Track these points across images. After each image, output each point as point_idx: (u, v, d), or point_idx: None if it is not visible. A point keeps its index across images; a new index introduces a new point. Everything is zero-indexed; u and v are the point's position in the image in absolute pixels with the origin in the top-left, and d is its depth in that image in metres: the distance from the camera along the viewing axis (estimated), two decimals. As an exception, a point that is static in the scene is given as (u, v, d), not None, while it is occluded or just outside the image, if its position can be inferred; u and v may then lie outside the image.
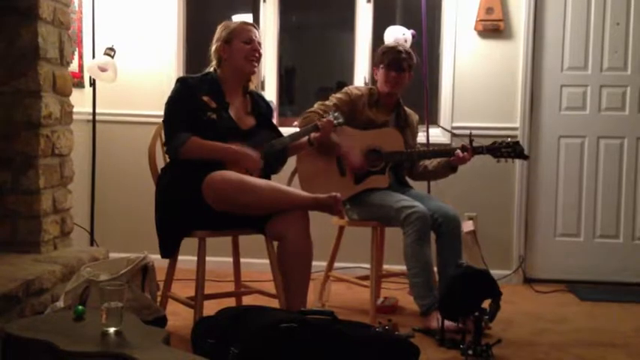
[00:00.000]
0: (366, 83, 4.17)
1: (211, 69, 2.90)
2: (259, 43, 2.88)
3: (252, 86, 2.99)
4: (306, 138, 2.99)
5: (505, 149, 3.15)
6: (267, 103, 3.06)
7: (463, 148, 3.17)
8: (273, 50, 4.33)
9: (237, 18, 4.33)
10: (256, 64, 2.88)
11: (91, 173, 4.11)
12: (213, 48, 2.88)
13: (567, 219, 4.14)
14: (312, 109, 3.22)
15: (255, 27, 2.90)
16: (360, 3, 4.25)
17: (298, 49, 4.95)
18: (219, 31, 2.88)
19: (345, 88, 3.34)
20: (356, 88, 3.37)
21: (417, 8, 4.03)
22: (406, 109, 3.42)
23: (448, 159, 3.23)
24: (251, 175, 2.74)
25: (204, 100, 2.78)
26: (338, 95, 3.28)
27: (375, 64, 3.38)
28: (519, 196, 4.10)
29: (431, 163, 3.35)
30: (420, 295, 3.02)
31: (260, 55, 2.89)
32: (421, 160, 3.38)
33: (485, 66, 4.08)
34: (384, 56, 3.26)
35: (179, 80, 2.87)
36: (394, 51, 3.26)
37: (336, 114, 3.02)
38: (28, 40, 2.92)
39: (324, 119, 2.99)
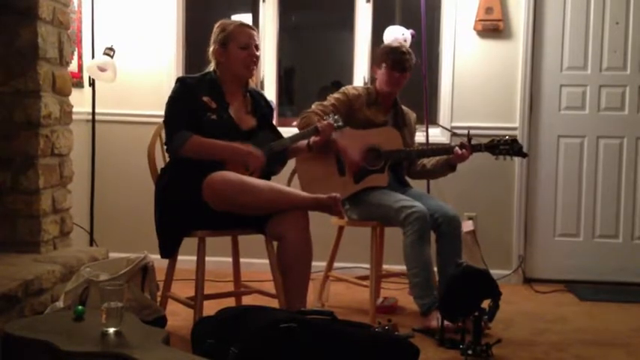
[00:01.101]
0: (365, 83, 4.16)
1: (211, 69, 2.89)
2: (257, 46, 2.85)
3: (251, 84, 2.98)
4: (305, 141, 2.98)
5: (503, 147, 3.15)
6: (267, 102, 3.05)
7: (461, 146, 3.17)
8: (273, 50, 4.32)
9: (237, 18, 4.33)
10: (254, 69, 2.87)
11: (90, 173, 4.11)
12: (211, 49, 2.86)
13: (567, 219, 4.14)
14: (310, 109, 3.21)
15: (252, 28, 2.86)
16: (360, 3, 4.24)
17: (298, 49, 4.95)
18: (216, 32, 2.85)
19: (343, 88, 3.34)
20: (353, 87, 3.37)
21: (417, 8, 4.03)
22: (403, 107, 3.42)
23: (447, 158, 3.23)
24: (252, 174, 2.74)
25: (204, 101, 2.77)
26: (336, 95, 3.28)
27: (375, 63, 3.38)
28: (519, 196, 4.10)
29: (429, 162, 3.35)
30: (420, 295, 3.02)
31: (257, 58, 2.87)
32: (420, 159, 3.38)
33: (485, 66, 4.08)
34: (388, 56, 3.25)
35: (178, 80, 2.86)
36: (398, 52, 3.25)
37: (335, 117, 3.01)
38: (27, 39, 2.92)
39: (324, 122, 2.97)
